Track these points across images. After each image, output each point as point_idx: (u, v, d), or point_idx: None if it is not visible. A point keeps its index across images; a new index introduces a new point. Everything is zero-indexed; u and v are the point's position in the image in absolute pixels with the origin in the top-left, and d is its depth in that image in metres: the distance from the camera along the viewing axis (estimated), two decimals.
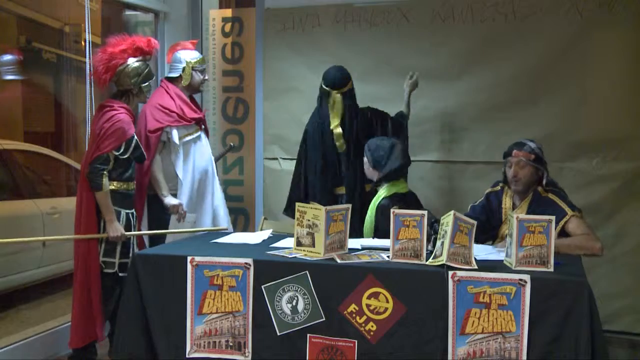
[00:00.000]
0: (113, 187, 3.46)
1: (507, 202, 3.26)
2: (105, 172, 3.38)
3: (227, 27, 5.40)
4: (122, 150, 3.42)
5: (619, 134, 4.09)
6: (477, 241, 3.13)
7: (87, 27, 3.90)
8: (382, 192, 3.44)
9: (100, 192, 3.37)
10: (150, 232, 3.84)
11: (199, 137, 4.05)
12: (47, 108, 7.10)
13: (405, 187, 3.55)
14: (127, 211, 3.56)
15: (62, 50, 7.05)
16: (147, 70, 3.57)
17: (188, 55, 3.99)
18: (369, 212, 3.50)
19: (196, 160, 4.01)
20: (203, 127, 4.12)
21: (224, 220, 4.18)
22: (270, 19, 4.81)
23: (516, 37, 4.23)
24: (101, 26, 4.97)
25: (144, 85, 3.55)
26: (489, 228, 3.29)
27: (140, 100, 3.64)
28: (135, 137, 3.50)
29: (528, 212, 3.04)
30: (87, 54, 3.82)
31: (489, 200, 3.33)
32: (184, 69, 3.97)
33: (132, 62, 3.53)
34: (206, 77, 4.12)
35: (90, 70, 3.74)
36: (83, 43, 5.12)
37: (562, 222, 2.95)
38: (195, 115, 3.98)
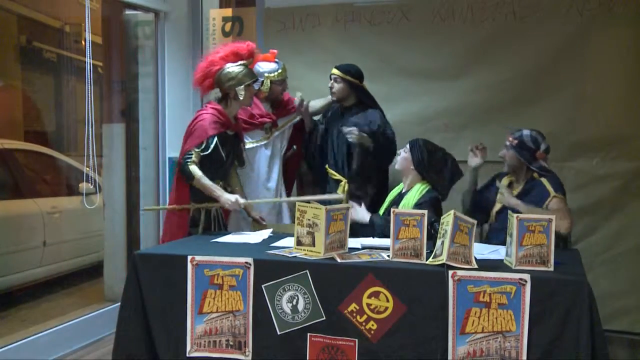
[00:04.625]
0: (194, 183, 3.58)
1: (505, 180, 3.42)
2: (190, 161, 3.50)
3: (227, 26, 5.39)
4: (202, 147, 3.54)
5: (619, 134, 4.09)
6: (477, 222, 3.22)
7: (87, 26, 3.89)
8: (423, 186, 3.40)
9: (195, 180, 3.50)
10: (268, 200, 3.89)
11: (267, 145, 4.11)
12: (47, 107, 7.09)
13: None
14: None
15: (63, 50, 7.05)
16: (241, 73, 3.61)
17: (266, 68, 4.03)
18: (405, 203, 3.43)
19: (260, 167, 4.05)
20: (276, 133, 4.16)
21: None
22: (270, 19, 4.81)
23: (516, 36, 4.23)
24: (101, 26, 4.95)
25: (238, 88, 3.59)
26: (487, 206, 3.46)
27: (242, 103, 3.68)
28: (216, 138, 3.56)
29: (520, 193, 3.28)
30: (88, 53, 3.81)
31: (494, 180, 3.52)
32: (262, 82, 4.01)
33: (229, 66, 3.62)
34: (287, 87, 4.16)
35: (90, 69, 3.76)
36: (83, 42, 5.12)
37: (546, 202, 3.15)
38: (265, 119, 4.02)
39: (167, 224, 3.73)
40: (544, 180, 3.24)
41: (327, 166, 4.17)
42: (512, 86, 4.26)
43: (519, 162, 3.32)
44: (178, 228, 3.62)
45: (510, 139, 3.36)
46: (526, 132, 3.34)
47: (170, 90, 4.78)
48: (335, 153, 4.13)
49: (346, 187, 4.06)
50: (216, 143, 3.56)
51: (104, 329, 4.21)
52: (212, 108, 3.63)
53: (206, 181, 3.50)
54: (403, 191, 3.56)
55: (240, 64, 3.65)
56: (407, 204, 3.43)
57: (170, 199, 3.74)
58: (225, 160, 3.68)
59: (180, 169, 3.57)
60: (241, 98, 3.63)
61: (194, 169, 3.49)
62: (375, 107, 4.12)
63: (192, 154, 3.51)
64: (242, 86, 3.60)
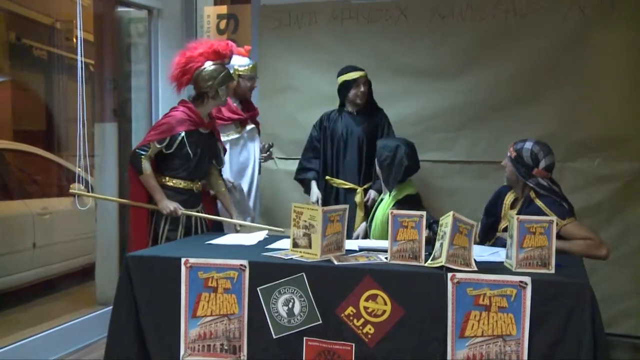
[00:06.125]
0: (169, 183, 3.63)
1: (509, 197, 3.28)
2: (144, 157, 3.53)
3: (222, 24, 5.40)
4: (165, 144, 3.56)
5: (621, 133, 4.09)
6: (486, 239, 3.18)
7: (78, 23, 3.89)
8: (393, 194, 3.44)
9: (142, 175, 3.55)
10: (208, 216, 3.80)
11: (238, 139, 4.13)
12: (37, 106, 7.07)
13: (414, 187, 3.56)
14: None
15: (53, 47, 7.03)
16: (223, 73, 3.64)
17: (237, 62, 4.07)
18: (379, 215, 3.50)
19: (232, 161, 4.06)
20: (248, 128, 4.23)
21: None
22: (265, 16, 4.81)
23: (517, 34, 4.23)
24: (93, 23, 4.95)
25: (220, 88, 3.63)
26: (495, 223, 3.32)
27: (217, 102, 3.72)
28: (184, 135, 3.58)
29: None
30: (79, 51, 3.81)
31: (499, 193, 3.37)
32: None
33: (209, 65, 3.63)
34: (255, 85, 4.21)
35: (82, 67, 3.75)
36: (75, 40, 5.11)
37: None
38: (234, 116, 4.02)
39: (132, 225, 3.74)
40: (541, 205, 3.04)
41: (327, 177, 4.17)
42: (512, 85, 4.26)
43: (516, 176, 3.16)
44: (138, 228, 3.65)
45: (511, 149, 3.19)
46: (528, 144, 3.14)
47: (163, 89, 4.78)
48: (345, 160, 4.13)
49: (359, 198, 4.06)
50: (182, 140, 3.58)
51: (95, 333, 4.20)
52: (184, 106, 3.65)
53: (153, 181, 3.57)
54: (382, 197, 3.62)
55: (219, 64, 3.67)
56: (377, 217, 3.53)
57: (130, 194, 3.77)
58: (198, 159, 3.67)
59: (130, 158, 3.61)
60: (223, 98, 3.67)
61: (146, 164, 3.54)
62: (379, 108, 4.15)
63: (149, 148, 3.55)
64: (224, 87, 3.64)
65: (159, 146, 3.56)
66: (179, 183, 3.65)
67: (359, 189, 4.07)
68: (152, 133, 3.61)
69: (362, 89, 4.06)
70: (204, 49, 3.67)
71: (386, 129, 4.12)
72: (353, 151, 4.12)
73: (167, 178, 3.64)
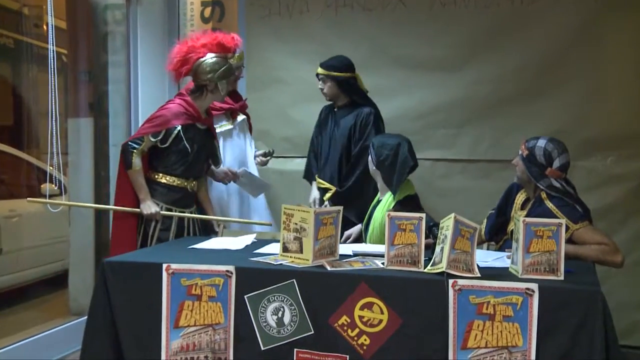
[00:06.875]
0: (162, 180, 3.67)
1: (520, 197, 3.29)
2: (135, 151, 3.57)
3: (207, 12, 5.39)
4: (160, 138, 3.60)
5: (635, 130, 4.12)
6: (493, 239, 3.19)
7: (49, 9, 3.88)
8: (391, 198, 3.46)
9: (130, 170, 3.60)
10: (190, 215, 3.81)
11: (230, 131, 4.21)
12: (4, 99, 7.05)
13: (413, 187, 3.57)
14: (169, 207, 3.68)
15: (21, 35, 7.00)
16: (224, 67, 3.69)
17: None
18: (377, 217, 3.51)
19: (226, 153, 4.14)
20: (239, 119, 4.28)
21: (264, 216, 4.30)
22: (253, 4, 4.82)
23: (523, 24, 4.26)
24: (66, 8, 4.92)
25: (220, 82, 3.67)
26: (506, 223, 3.32)
27: (216, 97, 3.77)
28: (180, 129, 3.61)
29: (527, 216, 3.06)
30: (50, 39, 3.80)
31: (510, 190, 3.36)
32: None
33: (210, 57, 3.68)
34: (241, 75, 4.26)
35: (53, 57, 3.75)
36: (45, 27, 5.10)
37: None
38: (225, 105, 4.12)
39: (115, 228, 3.75)
40: (551, 207, 3.02)
41: (316, 176, 4.22)
42: (518, 78, 4.29)
43: (528, 176, 3.15)
44: (122, 230, 3.67)
45: (523, 147, 3.18)
46: (541, 142, 3.13)
47: (143, 82, 4.77)
48: (327, 159, 4.16)
49: (328, 195, 4.09)
50: (178, 134, 3.61)
51: (69, 345, 4.19)
52: (180, 99, 3.69)
53: (140, 178, 3.61)
54: (379, 198, 3.63)
55: (222, 57, 3.71)
56: (375, 219, 3.54)
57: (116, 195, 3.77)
58: (195, 156, 3.70)
59: (122, 149, 3.64)
60: (222, 93, 3.70)
61: (136, 159, 3.58)
62: (368, 103, 4.14)
63: (142, 141, 3.59)
64: (224, 81, 3.67)
65: (153, 140, 3.59)
66: (173, 180, 3.68)
67: (332, 189, 4.11)
68: (146, 126, 3.65)
69: (319, 85, 4.13)
70: (208, 40, 3.73)
71: (365, 129, 4.07)
72: (328, 149, 4.15)
73: (160, 174, 3.68)
